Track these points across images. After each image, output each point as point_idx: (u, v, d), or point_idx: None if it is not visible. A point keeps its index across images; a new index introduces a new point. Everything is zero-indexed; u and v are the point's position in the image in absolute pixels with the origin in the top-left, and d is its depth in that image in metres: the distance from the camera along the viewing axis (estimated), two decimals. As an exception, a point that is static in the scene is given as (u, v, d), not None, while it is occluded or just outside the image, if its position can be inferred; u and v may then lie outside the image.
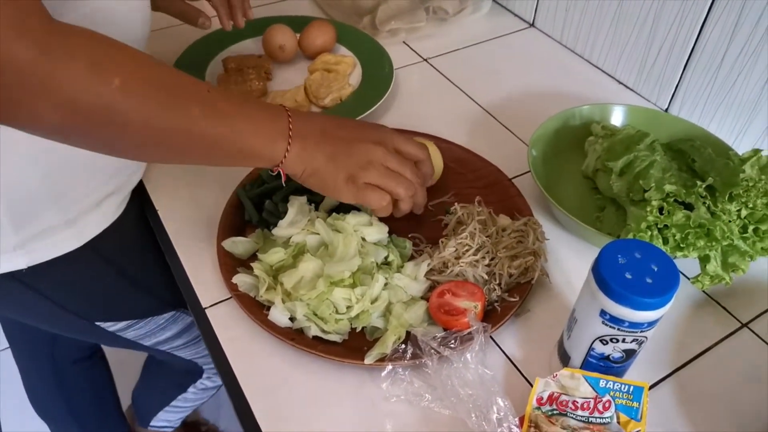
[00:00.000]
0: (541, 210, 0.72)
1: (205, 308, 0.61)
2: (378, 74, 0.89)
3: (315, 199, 0.68)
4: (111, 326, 0.80)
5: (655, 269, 0.46)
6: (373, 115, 0.84)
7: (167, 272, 0.69)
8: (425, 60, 0.98)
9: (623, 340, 0.48)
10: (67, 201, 0.65)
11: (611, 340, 0.48)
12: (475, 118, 0.87)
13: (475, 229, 0.64)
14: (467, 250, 0.62)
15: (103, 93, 0.45)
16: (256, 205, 0.68)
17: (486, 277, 0.61)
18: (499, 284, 0.61)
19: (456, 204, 0.68)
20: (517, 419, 0.51)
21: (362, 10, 1.01)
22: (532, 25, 1.06)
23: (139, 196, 0.75)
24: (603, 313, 0.47)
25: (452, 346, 0.55)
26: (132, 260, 0.77)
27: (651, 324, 0.47)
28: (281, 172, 0.59)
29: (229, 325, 0.60)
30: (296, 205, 0.65)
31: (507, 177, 0.74)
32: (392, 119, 0.85)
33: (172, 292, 0.80)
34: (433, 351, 0.55)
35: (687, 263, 0.66)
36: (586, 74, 0.96)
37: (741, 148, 0.77)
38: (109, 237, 0.70)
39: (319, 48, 0.92)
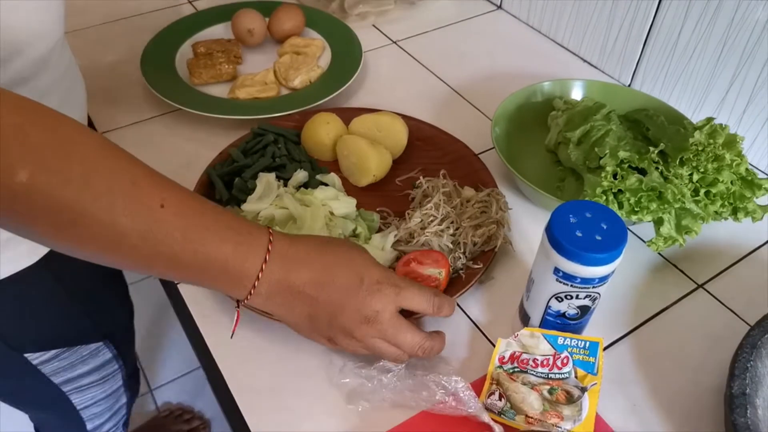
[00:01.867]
0: (505, 183, 0.74)
1: (177, 284, 0.63)
2: (347, 57, 0.90)
3: (284, 176, 0.70)
4: (38, 357, 0.71)
5: (605, 227, 0.48)
6: (342, 96, 0.85)
7: (113, 289, 0.65)
8: (394, 42, 0.99)
9: (577, 297, 0.50)
10: None
11: (566, 296, 0.50)
12: (443, 97, 0.89)
13: (440, 200, 0.66)
14: (432, 221, 0.64)
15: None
16: (226, 184, 0.70)
17: (451, 246, 0.63)
18: (464, 252, 0.63)
19: (422, 177, 0.70)
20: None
21: (331, -5, 1.02)
22: (500, 7, 1.08)
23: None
24: (556, 270, 0.49)
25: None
26: (83, 277, 0.72)
27: (602, 279, 0.49)
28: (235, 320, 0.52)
29: (201, 301, 0.61)
30: (264, 181, 0.67)
31: (473, 152, 0.76)
32: (361, 100, 0.87)
33: (110, 316, 0.79)
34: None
35: (644, 229, 0.69)
36: (552, 54, 0.98)
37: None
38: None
39: (288, 32, 0.93)
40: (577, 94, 0.81)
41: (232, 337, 0.55)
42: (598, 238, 0.47)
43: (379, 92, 0.89)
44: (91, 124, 0.82)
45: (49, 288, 0.67)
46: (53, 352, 0.72)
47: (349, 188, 0.72)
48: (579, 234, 0.48)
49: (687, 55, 0.81)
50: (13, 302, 0.65)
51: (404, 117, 0.78)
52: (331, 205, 0.65)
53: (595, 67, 0.95)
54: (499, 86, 0.90)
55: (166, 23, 0.94)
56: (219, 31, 0.96)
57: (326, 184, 0.69)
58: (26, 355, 0.70)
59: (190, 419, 1.37)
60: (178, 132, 0.81)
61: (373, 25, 1.03)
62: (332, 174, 0.71)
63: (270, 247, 0.46)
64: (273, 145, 0.74)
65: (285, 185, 0.69)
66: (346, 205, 0.66)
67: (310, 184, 0.70)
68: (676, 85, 0.85)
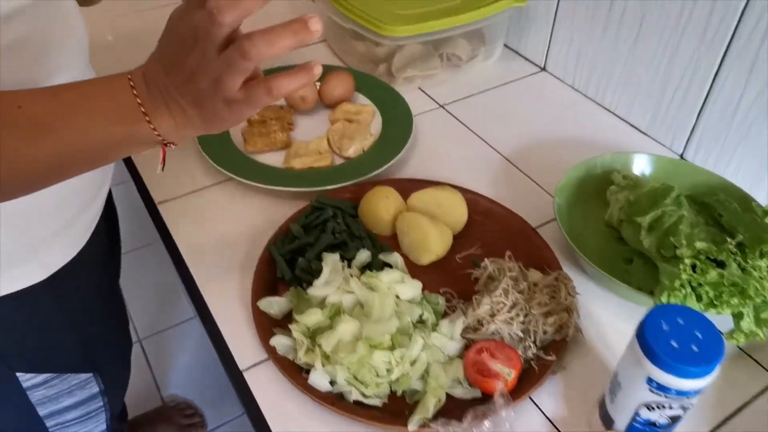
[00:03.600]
0: (567, 259, 0.73)
1: (243, 371, 0.62)
2: (398, 123, 0.90)
3: (347, 256, 0.69)
4: (29, 380, 0.70)
5: (699, 336, 0.47)
6: (395, 164, 0.85)
7: (113, 321, 0.64)
8: (441, 106, 1.00)
9: (670, 407, 0.48)
10: (28, 223, 0.58)
11: (658, 407, 0.48)
12: (494, 165, 0.88)
13: (507, 285, 0.64)
14: (501, 308, 0.63)
15: None
16: (288, 262, 0.69)
17: (521, 334, 0.62)
18: (534, 342, 0.61)
19: (486, 260, 0.69)
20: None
21: (377, 58, 1.03)
22: (543, 69, 1.08)
23: (105, 221, 0.73)
24: (650, 380, 0.47)
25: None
26: (84, 304, 0.71)
27: (698, 391, 0.47)
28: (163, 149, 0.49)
29: (268, 390, 0.60)
30: (330, 264, 0.66)
31: (531, 227, 0.75)
32: (414, 168, 0.87)
33: (105, 349, 0.77)
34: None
35: (718, 317, 0.67)
36: (598, 118, 0.98)
37: (759, 195, 0.79)
38: (69, 273, 0.65)
39: (339, 97, 0.93)
40: (637, 167, 0.80)
41: (162, 170, 0.54)
42: (695, 348, 0.46)
43: (430, 159, 0.89)
44: (146, 191, 0.82)
45: (50, 309, 0.67)
46: (43, 376, 0.71)
47: (409, 265, 0.71)
48: (674, 344, 0.46)
49: (746, 126, 0.81)
50: (13, 318, 0.64)
51: (461, 190, 0.78)
52: (397, 288, 0.64)
53: (645, 134, 0.94)
54: (549, 154, 0.89)
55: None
56: (268, 94, 0.97)
57: (389, 264, 0.69)
58: (18, 374, 0.69)
59: (192, 414, 1.43)
60: (235, 201, 0.81)
61: (419, 88, 1.03)
62: (395, 254, 0.70)
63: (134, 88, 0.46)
64: (332, 221, 0.73)
65: (348, 264, 0.68)
66: (412, 288, 0.65)
67: (373, 264, 0.69)
68: (733, 156, 0.84)
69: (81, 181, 0.56)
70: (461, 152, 0.90)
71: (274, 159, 0.85)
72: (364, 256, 0.69)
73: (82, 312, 0.72)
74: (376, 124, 0.92)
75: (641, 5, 0.87)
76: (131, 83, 0.45)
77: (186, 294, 0.72)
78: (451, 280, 0.70)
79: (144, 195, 0.82)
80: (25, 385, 0.71)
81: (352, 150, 0.84)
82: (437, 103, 1.00)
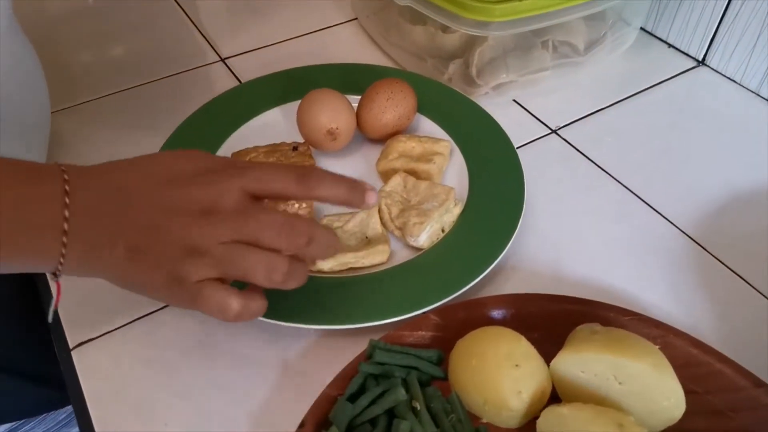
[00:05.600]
0: None
1: None
2: (492, 169, 0.53)
3: None
4: None
5: None
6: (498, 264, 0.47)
7: None
8: (554, 131, 0.62)
9: None
10: None
11: None
12: (665, 253, 0.51)
13: None
14: None
15: None
16: None
17: None
18: None
19: None
20: None
21: (446, 51, 0.64)
22: (702, 62, 0.69)
23: None
24: None
25: None
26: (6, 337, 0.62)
27: None
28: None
29: None
30: None
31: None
32: (519, 257, 0.50)
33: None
34: None
35: None
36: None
37: None
38: None
39: (393, 127, 0.56)
40: None
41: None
42: None
43: (548, 235, 0.51)
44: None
45: None
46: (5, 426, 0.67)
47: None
48: None
49: None
50: None
51: (636, 317, 0.41)
52: None
53: None
54: (747, 220, 0.52)
55: (191, 99, 0.57)
56: (273, 118, 0.59)
57: None
58: None
59: None
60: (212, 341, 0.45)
61: (515, 101, 0.65)
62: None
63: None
64: (400, 396, 0.37)
65: None
66: None
67: None
68: None
69: None
70: (600, 220, 0.53)
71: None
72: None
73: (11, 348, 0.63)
74: (453, 174, 0.54)
75: None
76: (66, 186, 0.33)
77: None
78: None
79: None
80: None
81: (426, 237, 0.47)
82: (546, 125, 0.62)
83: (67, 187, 0.33)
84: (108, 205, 0.34)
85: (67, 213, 0.33)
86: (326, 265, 0.45)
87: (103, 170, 0.35)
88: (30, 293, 0.55)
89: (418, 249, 0.48)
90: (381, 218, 0.49)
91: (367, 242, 0.47)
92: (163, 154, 0.37)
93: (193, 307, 0.35)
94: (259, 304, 0.37)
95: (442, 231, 0.48)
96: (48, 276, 0.35)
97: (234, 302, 0.35)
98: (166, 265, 0.34)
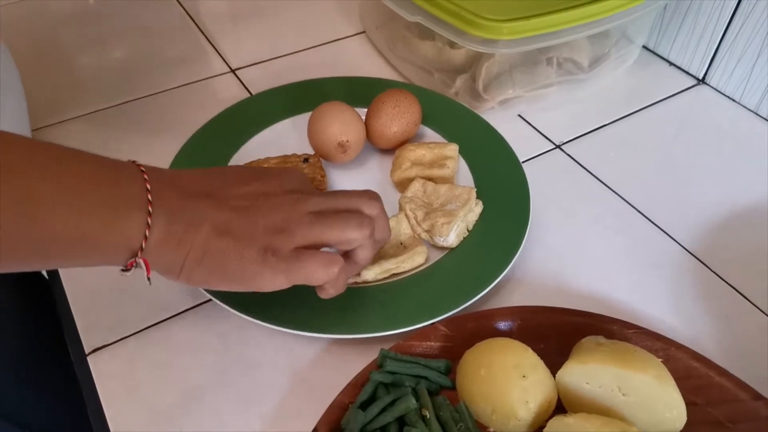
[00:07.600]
0: None
1: None
2: (497, 180, 0.54)
3: None
4: None
5: None
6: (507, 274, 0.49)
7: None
8: (558, 147, 0.63)
9: None
10: None
11: None
12: (668, 268, 0.52)
13: None
14: None
15: None
16: None
17: None
18: None
19: None
20: None
21: (453, 66, 0.66)
22: (702, 81, 0.71)
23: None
24: None
25: None
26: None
27: None
28: (146, 268, 0.35)
29: None
30: None
31: (773, 407, 0.40)
32: (524, 270, 0.51)
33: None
34: None
35: None
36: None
37: None
38: None
39: (401, 135, 0.57)
40: None
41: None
42: None
43: (557, 252, 0.52)
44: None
45: None
46: None
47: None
48: None
49: None
50: None
51: (649, 335, 0.42)
52: None
53: None
54: (746, 238, 0.54)
55: (202, 111, 0.59)
56: (283, 129, 0.61)
57: None
58: None
59: None
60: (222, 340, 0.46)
61: (520, 116, 0.66)
62: None
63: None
64: (410, 405, 0.38)
65: None
66: None
67: None
68: None
69: None
70: (603, 234, 0.54)
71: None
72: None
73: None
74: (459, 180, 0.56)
75: None
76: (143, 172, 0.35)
77: None
78: None
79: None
80: None
81: (454, 236, 0.48)
82: (550, 140, 0.64)
83: (146, 177, 0.35)
84: (189, 194, 0.36)
85: (150, 196, 0.34)
86: (370, 274, 0.46)
87: (181, 171, 0.39)
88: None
89: (448, 248, 0.49)
90: (408, 222, 0.50)
91: (403, 248, 0.48)
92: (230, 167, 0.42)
93: (291, 273, 0.37)
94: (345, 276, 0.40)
95: (468, 231, 0.50)
96: (121, 269, 0.35)
97: (338, 257, 0.38)
98: (259, 239, 0.36)
